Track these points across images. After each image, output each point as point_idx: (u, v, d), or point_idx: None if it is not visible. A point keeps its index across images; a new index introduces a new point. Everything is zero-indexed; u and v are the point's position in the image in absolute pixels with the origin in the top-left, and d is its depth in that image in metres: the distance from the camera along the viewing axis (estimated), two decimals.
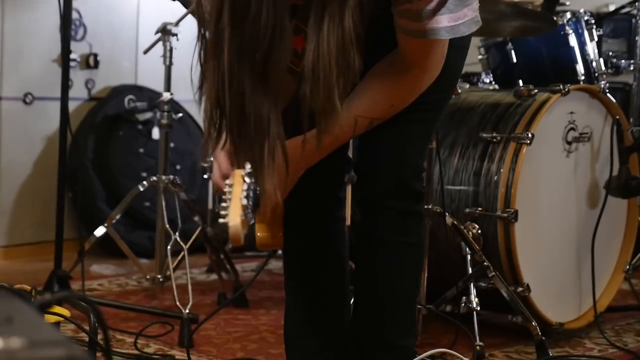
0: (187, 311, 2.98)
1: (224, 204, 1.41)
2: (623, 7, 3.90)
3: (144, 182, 3.40)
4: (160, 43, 3.31)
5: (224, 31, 1.53)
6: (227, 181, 1.46)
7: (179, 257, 3.32)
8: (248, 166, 1.47)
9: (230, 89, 1.54)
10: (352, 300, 2.17)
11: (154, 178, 3.36)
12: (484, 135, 3.09)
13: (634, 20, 5.16)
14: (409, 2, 1.69)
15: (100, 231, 3.38)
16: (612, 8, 4.65)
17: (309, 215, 1.95)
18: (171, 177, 3.35)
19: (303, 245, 2.01)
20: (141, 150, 4.38)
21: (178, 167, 4.36)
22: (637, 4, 3.76)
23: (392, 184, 1.94)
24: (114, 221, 3.42)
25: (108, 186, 4.31)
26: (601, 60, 3.61)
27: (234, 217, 1.37)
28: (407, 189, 2.00)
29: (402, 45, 1.79)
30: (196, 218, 3.42)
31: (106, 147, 4.34)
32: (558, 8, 3.81)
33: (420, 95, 1.83)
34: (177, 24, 3.27)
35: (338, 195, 2.08)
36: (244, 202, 1.39)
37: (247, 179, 1.44)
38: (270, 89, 1.56)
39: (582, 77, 3.55)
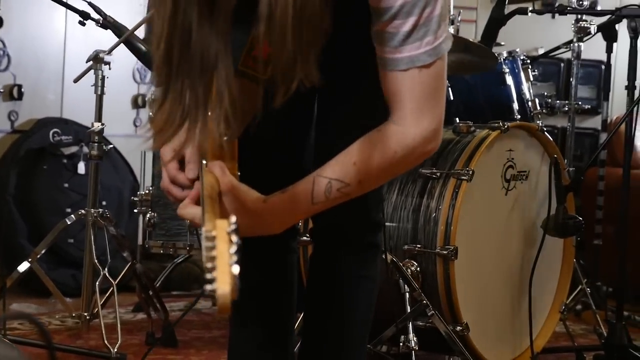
0: (116, 350, 2.85)
1: (209, 264, 1.20)
2: (558, 47, 3.91)
3: (72, 216, 3.26)
4: (92, 72, 3.19)
5: None
6: (207, 231, 1.26)
7: (107, 294, 3.20)
8: (233, 219, 1.27)
9: (174, 22, 1.43)
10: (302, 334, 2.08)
11: (82, 211, 3.23)
12: (423, 171, 3.04)
13: (562, 65, 5.25)
14: (380, 20, 1.60)
15: (23, 267, 3.22)
16: (541, 52, 4.68)
17: (262, 246, 1.85)
18: (100, 210, 3.22)
19: (254, 276, 1.91)
20: (66, 185, 4.25)
21: (104, 202, 4.22)
22: (571, 45, 3.76)
23: (351, 213, 1.83)
24: (38, 256, 3.26)
25: (30, 222, 4.15)
26: (536, 100, 3.61)
27: (223, 285, 1.18)
28: (367, 219, 1.92)
29: (386, 87, 1.65)
30: (125, 254, 3.29)
31: (29, 181, 4.19)
32: (494, 49, 3.82)
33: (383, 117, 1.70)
34: (109, 52, 3.17)
35: (293, 226, 1.99)
36: (235, 270, 1.19)
37: (234, 238, 1.23)
38: (218, 26, 1.44)
39: (518, 116, 3.55)
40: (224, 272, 1.19)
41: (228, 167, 1.66)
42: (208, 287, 1.19)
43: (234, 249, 1.22)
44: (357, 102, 1.88)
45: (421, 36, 1.59)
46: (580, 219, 3.15)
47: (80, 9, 3.21)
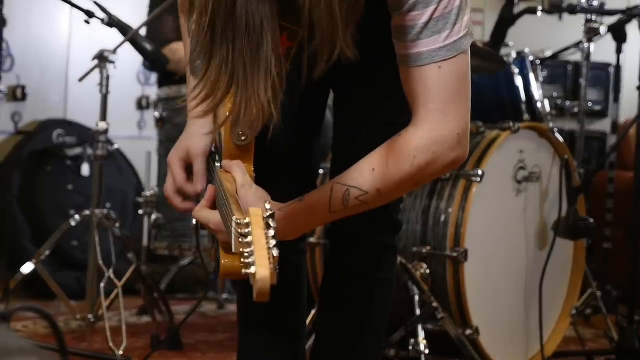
0: (121, 353, 2.81)
1: (246, 250, 1.18)
2: (567, 48, 3.87)
3: (76, 217, 3.22)
4: (96, 72, 3.15)
5: None
6: (238, 219, 1.25)
7: (112, 296, 3.16)
8: (268, 206, 1.25)
9: None
10: (314, 337, 2.04)
11: (87, 212, 3.19)
12: None
13: (569, 67, 5.21)
14: (398, 13, 1.54)
15: (27, 268, 3.18)
16: (548, 54, 4.65)
17: None
18: (105, 211, 3.18)
19: None
20: (70, 186, 4.21)
21: (108, 205, 4.18)
22: (580, 45, 3.72)
23: (370, 213, 1.75)
24: (42, 258, 3.22)
25: (34, 224, 4.11)
26: (546, 101, 3.57)
27: (262, 269, 1.14)
28: (387, 219, 1.87)
29: (407, 87, 1.59)
30: (130, 255, 3.25)
31: (33, 183, 4.15)
32: (502, 50, 3.78)
33: (406, 112, 1.62)
34: (115, 50, 3.13)
35: None
36: (275, 253, 1.17)
37: (271, 223, 1.21)
38: None
39: (527, 117, 3.50)
40: (262, 256, 1.16)
41: (245, 167, 1.64)
42: (245, 271, 1.16)
43: (272, 232, 1.20)
44: (375, 100, 1.83)
45: (439, 29, 1.53)
46: (592, 220, 3.11)
47: (85, 8, 3.16)
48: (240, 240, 1.20)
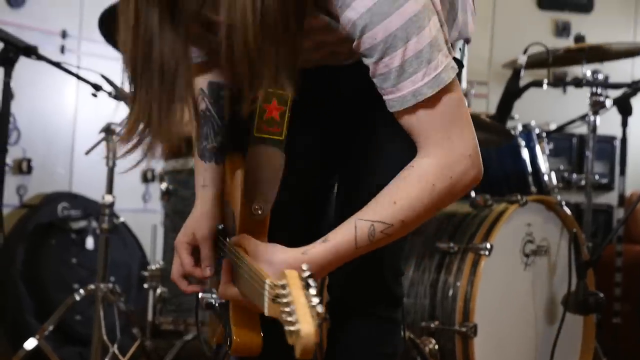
0: None
1: (286, 309, 1.19)
2: (573, 121, 3.87)
3: (81, 291, 3.18)
4: (103, 144, 3.15)
5: None
6: (271, 282, 1.28)
7: None
8: (305, 266, 1.27)
9: (137, 31, 1.45)
10: None
11: (92, 286, 3.15)
12: (441, 245, 2.97)
13: (574, 140, 5.21)
14: (371, 62, 1.56)
15: (31, 344, 3.14)
16: (552, 126, 4.65)
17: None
18: (110, 285, 3.15)
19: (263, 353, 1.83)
20: (74, 260, 4.17)
21: (112, 278, 4.14)
22: (586, 117, 3.72)
23: (369, 286, 1.74)
24: (46, 333, 3.18)
25: (37, 298, 4.06)
26: (553, 174, 3.56)
27: (305, 325, 1.15)
28: (386, 292, 1.85)
29: (406, 128, 1.62)
30: (135, 330, 3.21)
31: (37, 256, 4.11)
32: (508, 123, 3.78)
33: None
34: (122, 123, 3.12)
35: None
36: (320, 309, 1.18)
37: (311, 282, 1.23)
38: (180, 33, 1.45)
39: (534, 190, 3.49)
40: (305, 313, 1.17)
41: (250, 238, 1.64)
42: (289, 328, 1.16)
43: (313, 291, 1.21)
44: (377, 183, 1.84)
45: (415, 69, 1.55)
46: (602, 295, 3.07)
47: (92, 81, 3.17)
48: (275, 300, 1.22)
